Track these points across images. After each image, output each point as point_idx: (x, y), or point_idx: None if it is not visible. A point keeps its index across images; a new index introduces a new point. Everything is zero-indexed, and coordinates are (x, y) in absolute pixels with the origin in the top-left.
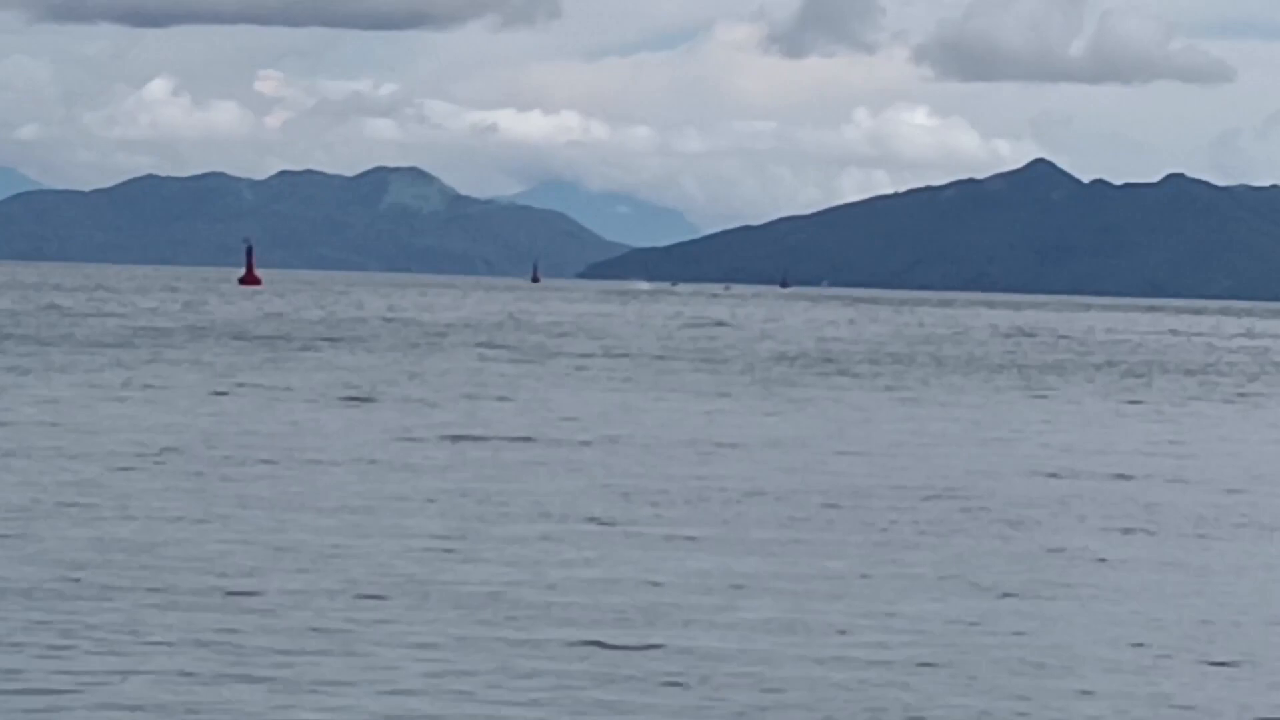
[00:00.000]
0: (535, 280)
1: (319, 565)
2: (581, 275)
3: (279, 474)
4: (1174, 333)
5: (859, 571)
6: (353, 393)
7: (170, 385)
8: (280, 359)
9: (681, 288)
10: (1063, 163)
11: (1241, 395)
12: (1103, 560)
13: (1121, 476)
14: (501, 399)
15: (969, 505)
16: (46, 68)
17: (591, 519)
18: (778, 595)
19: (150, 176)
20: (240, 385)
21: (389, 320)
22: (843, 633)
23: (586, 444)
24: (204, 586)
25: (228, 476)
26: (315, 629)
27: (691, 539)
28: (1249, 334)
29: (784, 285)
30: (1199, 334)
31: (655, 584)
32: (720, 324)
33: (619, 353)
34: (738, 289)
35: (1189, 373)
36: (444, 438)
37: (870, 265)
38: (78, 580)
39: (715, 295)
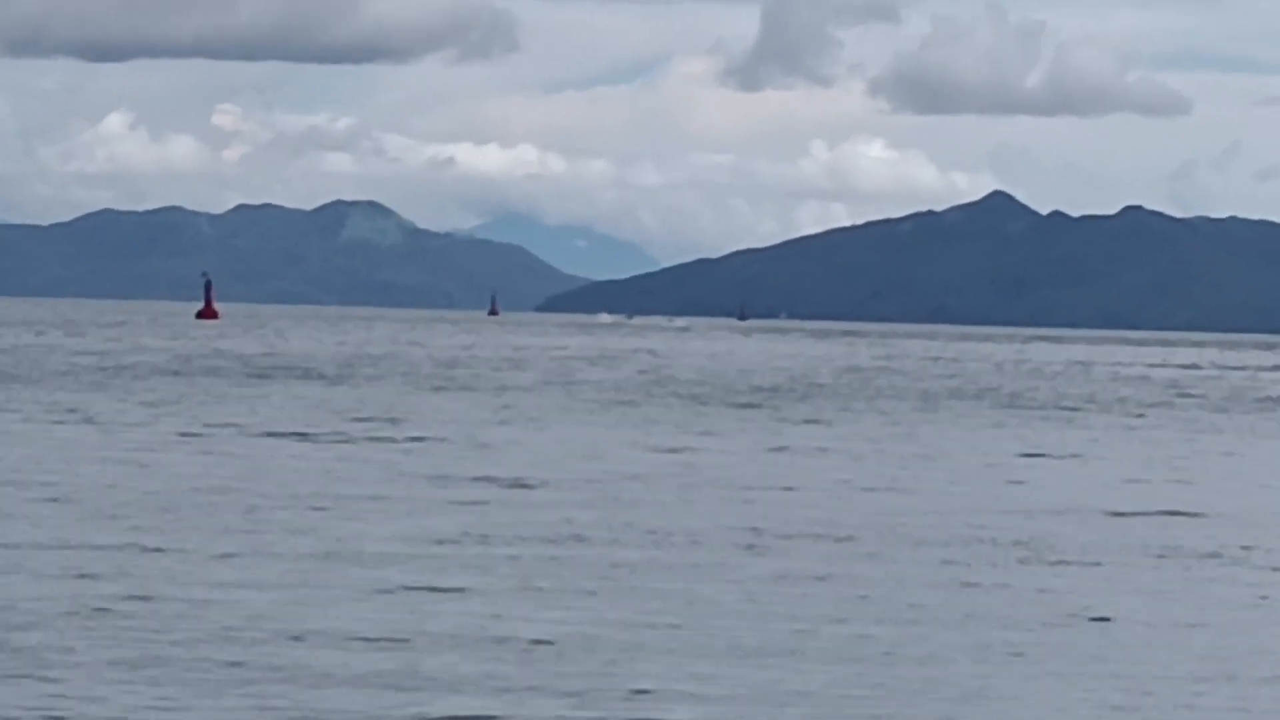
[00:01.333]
0: (494, 313)
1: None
2: (540, 308)
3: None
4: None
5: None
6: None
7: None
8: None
9: (636, 320)
10: (1020, 195)
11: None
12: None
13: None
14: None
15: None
16: (2, 103)
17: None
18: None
19: (108, 211)
20: (207, 425)
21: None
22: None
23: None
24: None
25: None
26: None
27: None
28: (1161, 364)
29: (742, 318)
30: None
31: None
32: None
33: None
34: (689, 320)
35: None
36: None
37: (829, 297)
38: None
39: (661, 328)
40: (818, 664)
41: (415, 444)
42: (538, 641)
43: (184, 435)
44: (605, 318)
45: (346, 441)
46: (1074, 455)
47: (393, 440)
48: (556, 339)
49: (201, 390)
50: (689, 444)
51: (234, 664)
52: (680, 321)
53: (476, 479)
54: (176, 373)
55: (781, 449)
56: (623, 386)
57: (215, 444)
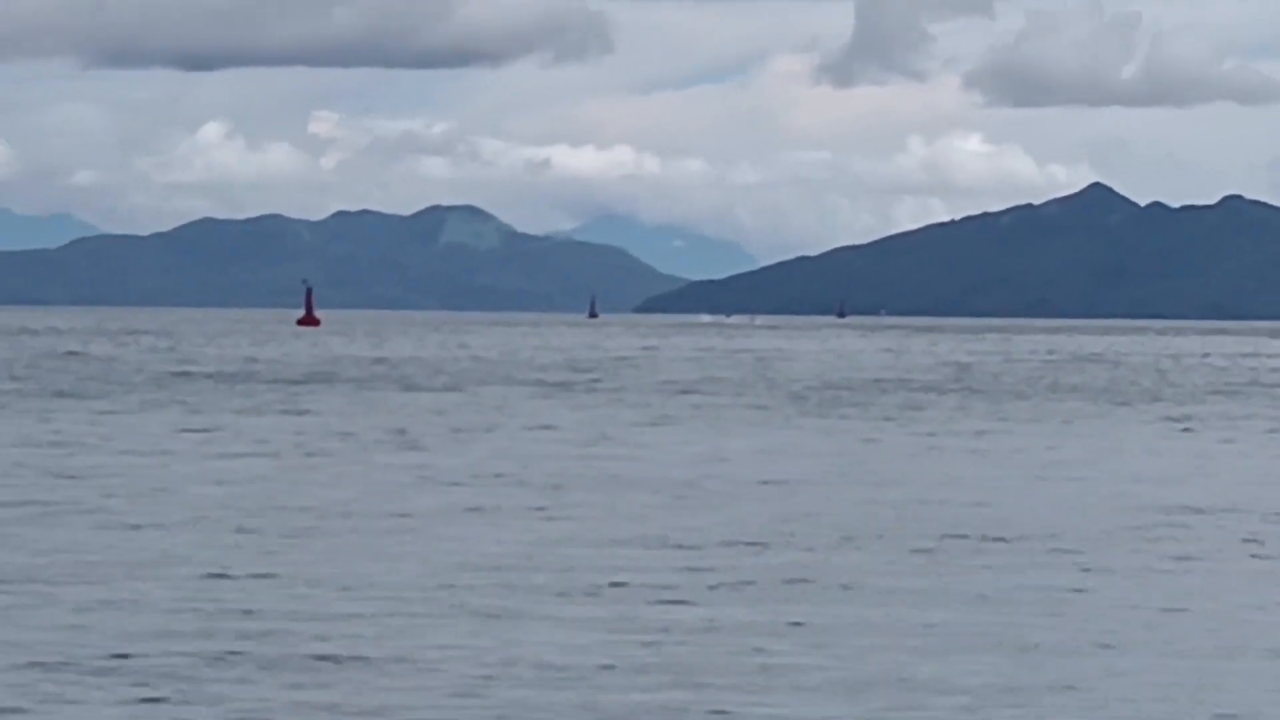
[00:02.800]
0: (593, 315)
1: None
2: (639, 309)
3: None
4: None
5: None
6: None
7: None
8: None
9: (735, 319)
10: (1119, 186)
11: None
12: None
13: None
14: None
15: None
16: (101, 113)
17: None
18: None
19: (207, 219)
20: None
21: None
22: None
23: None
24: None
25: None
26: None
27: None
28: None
29: (841, 315)
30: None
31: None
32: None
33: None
34: (770, 319)
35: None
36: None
37: (928, 293)
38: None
39: (739, 326)
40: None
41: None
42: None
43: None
44: (705, 318)
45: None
46: None
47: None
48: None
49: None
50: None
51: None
52: (760, 320)
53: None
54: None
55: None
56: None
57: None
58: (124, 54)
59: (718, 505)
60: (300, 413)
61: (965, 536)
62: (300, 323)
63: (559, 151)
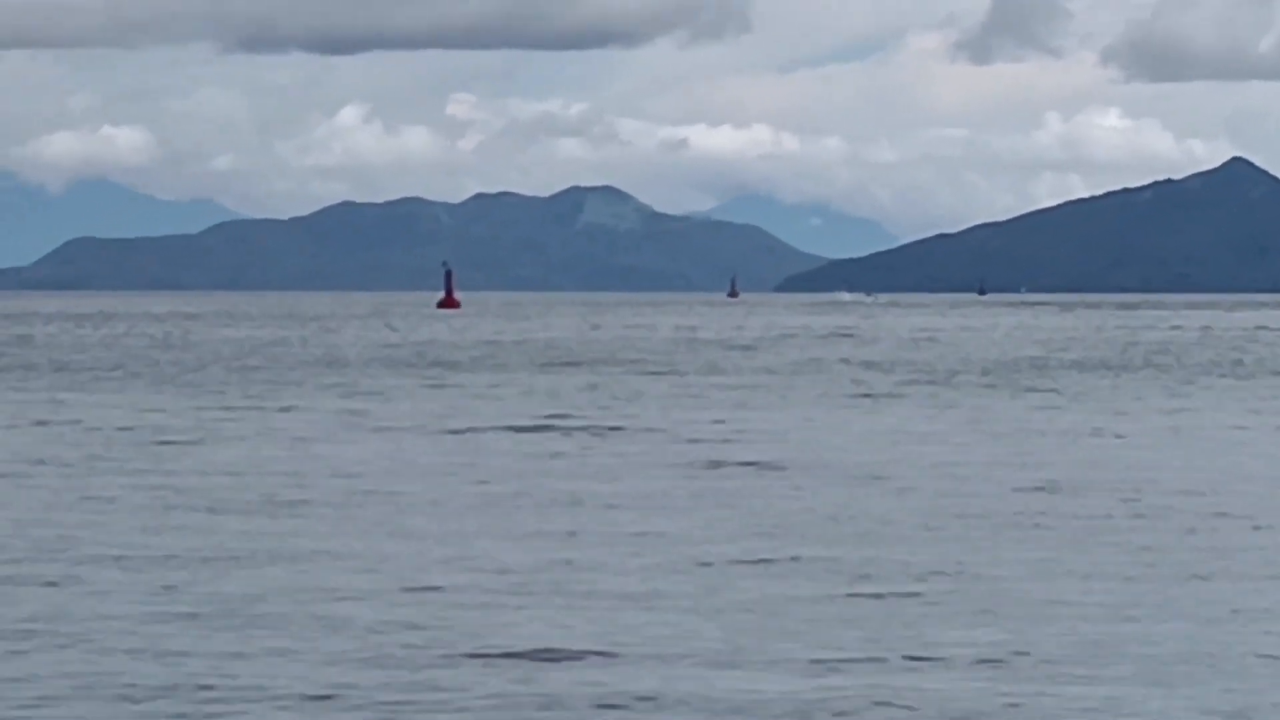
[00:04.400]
0: (733, 295)
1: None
2: (779, 288)
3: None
4: None
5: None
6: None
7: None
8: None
9: (881, 297)
10: (1260, 160)
11: None
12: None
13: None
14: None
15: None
16: (239, 98)
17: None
18: None
19: (346, 203)
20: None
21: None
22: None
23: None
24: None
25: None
26: None
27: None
28: None
29: (982, 292)
30: None
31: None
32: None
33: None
34: (892, 296)
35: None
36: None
37: (1068, 270)
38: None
39: (860, 303)
40: None
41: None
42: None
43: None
44: (844, 296)
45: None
46: None
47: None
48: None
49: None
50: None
51: None
52: (884, 298)
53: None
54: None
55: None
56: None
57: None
58: (261, 38)
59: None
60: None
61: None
62: (440, 305)
63: (697, 131)
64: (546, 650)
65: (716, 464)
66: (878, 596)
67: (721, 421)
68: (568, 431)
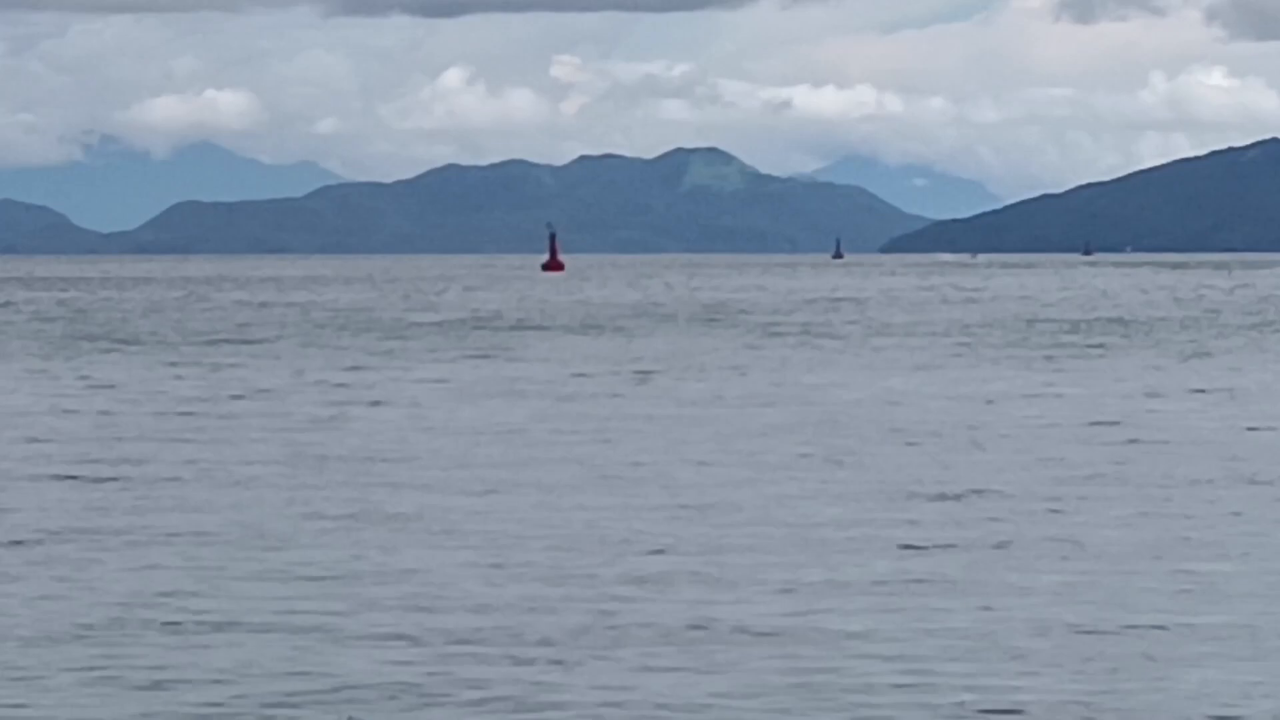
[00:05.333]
0: (838, 256)
1: None
2: (883, 249)
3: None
4: None
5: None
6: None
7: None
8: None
9: (981, 258)
10: None
11: None
12: None
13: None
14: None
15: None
16: (343, 61)
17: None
18: None
19: (451, 166)
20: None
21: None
22: None
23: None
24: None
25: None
26: None
27: None
28: None
29: (1087, 253)
30: None
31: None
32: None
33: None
34: (989, 257)
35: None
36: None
37: (1173, 229)
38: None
39: (963, 265)
40: None
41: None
42: None
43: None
44: (945, 257)
45: None
46: None
47: None
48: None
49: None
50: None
51: None
52: (985, 258)
53: None
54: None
55: None
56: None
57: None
58: (364, 2)
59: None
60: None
61: None
62: (545, 268)
63: (800, 92)
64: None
65: (835, 426)
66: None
67: (843, 384)
68: (688, 397)
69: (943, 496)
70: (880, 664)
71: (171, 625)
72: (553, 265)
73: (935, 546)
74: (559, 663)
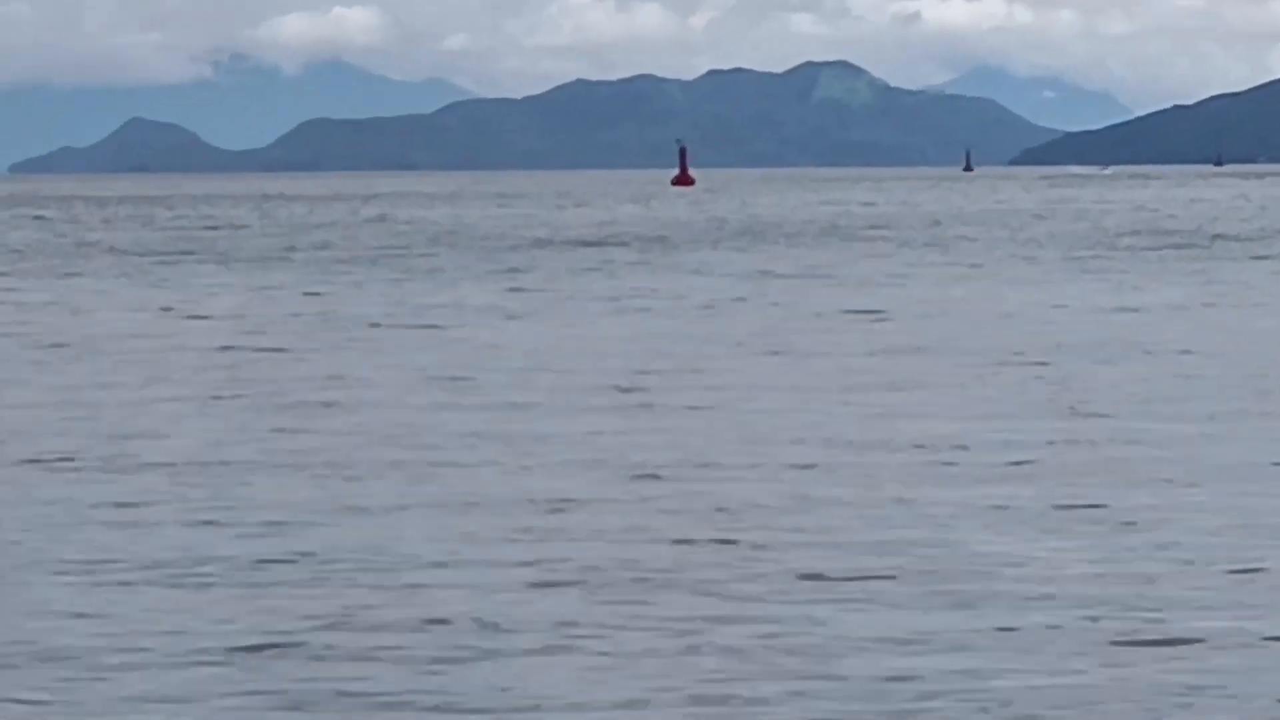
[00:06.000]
0: (968, 169)
1: None
2: (1013, 162)
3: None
4: None
5: None
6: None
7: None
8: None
9: (1112, 170)
10: None
11: None
12: None
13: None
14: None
15: None
16: None
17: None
18: None
19: (579, 81)
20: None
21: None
22: None
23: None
24: None
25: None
26: None
27: None
28: None
29: (1218, 164)
30: None
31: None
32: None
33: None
34: (1116, 169)
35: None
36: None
37: None
38: None
39: (1091, 176)
40: None
41: None
42: None
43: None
44: (1075, 169)
45: None
46: None
47: None
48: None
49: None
50: None
51: None
52: (1109, 170)
53: None
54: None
55: None
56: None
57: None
58: None
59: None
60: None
61: None
62: (675, 183)
63: (929, 4)
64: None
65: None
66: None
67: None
68: (826, 313)
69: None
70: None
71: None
72: (682, 180)
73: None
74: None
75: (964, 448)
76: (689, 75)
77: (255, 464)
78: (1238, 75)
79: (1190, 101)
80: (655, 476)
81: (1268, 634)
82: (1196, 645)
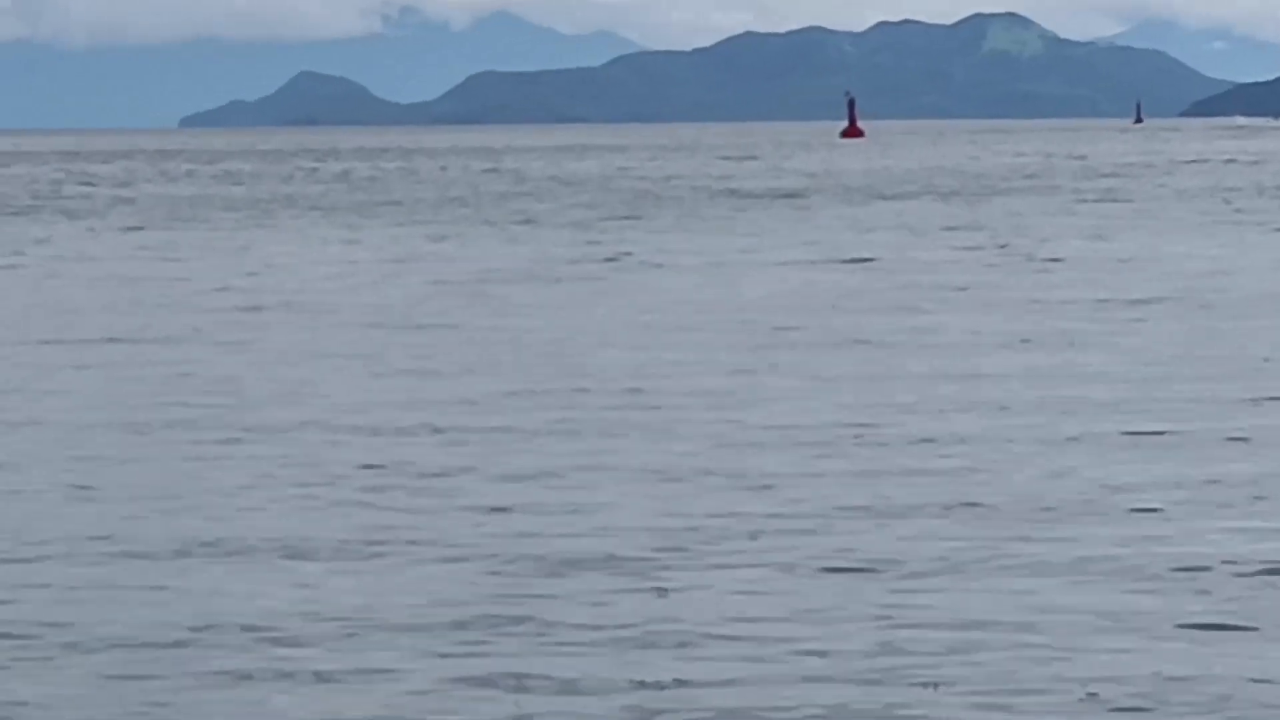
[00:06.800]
0: (1138, 121)
1: None
2: (1184, 114)
3: None
4: None
5: None
6: None
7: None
8: None
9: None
10: None
11: None
12: None
13: None
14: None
15: None
16: None
17: None
18: None
19: (748, 33)
20: None
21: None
22: None
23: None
24: None
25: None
26: None
27: None
28: None
29: None
30: None
31: None
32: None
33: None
34: None
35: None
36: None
37: None
38: None
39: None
40: None
41: None
42: None
43: None
44: (1240, 120)
45: None
46: None
47: None
48: None
49: None
50: None
51: None
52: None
53: None
54: None
55: None
56: None
57: None
58: None
59: None
60: None
61: None
62: (844, 135)
63: None
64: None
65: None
66: None
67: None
68: (992, 263)
69: None
70: None
71: None
72: (852, 132)
73: None
74: None
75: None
76: (859, 27)
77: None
78: None
79: None
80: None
81: None
82: None
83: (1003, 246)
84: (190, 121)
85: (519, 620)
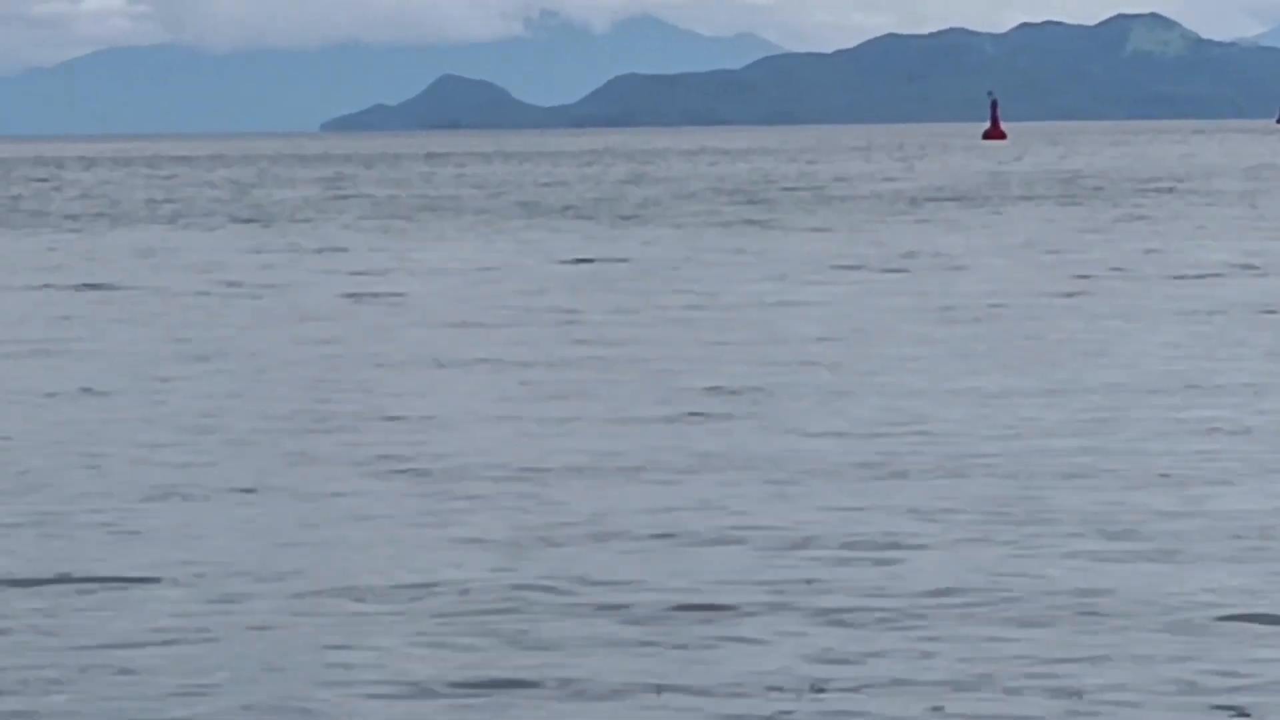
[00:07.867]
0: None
1: None
2: None
3: None
4: None
5: None
6: None
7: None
8: None
9: None
10: None
11: None
12: None
13: None
14: None
15: None
16: None
17: None
18: None
19: (890, 35)
20: None
21: None
22: None
23: None
24: None
25: None
26: None
27: None
28: None
29: None
30: None
31: None
32: None
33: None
34: None
35: None
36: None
37: None
38: None
39: None
40: None
41: None
42: None
43: None
44: None
45: None
46: None
47: None
48: None
49: None
50: None
51: None
52: None
53: None
54: None
55: None
56: None
57: None
58: None
59: None
60: None
61: None
62: (986, 136)
63: None
64: None
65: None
66: None
67: None
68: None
69: None
70: None
71: None
72: (994, 133)
73: None
74: None
75: None
76: (1000, 28)
77: None
78: None
79: None
80: None
81: None
82: None
83: None
84: (331, 126)
85: None
